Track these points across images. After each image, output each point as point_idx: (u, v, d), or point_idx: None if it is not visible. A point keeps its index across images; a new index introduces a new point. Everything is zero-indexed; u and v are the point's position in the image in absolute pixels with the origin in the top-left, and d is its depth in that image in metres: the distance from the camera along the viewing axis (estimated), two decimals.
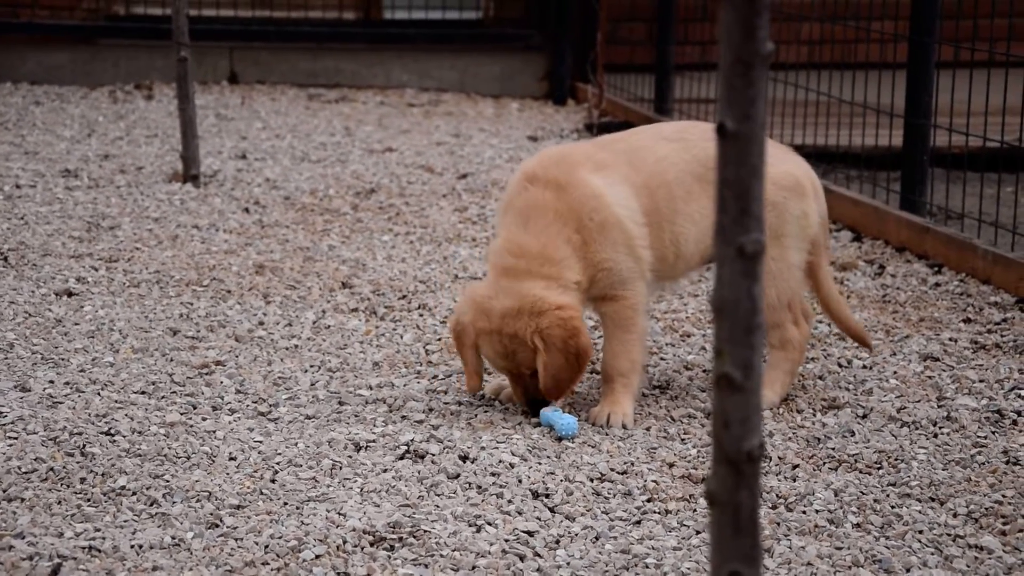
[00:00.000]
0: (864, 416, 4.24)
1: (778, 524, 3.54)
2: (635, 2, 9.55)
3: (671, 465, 3.88)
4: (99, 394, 4.24)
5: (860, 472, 3.86)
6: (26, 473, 3.66)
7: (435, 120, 8.76)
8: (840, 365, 4.69)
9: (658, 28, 8.74)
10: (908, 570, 3.33)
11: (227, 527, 3.43)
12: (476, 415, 4.19)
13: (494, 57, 9.69)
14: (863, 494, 3.70)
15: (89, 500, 3.54)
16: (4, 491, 3.56)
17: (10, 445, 3.82)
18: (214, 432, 4.01)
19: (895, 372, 4.59)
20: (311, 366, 4.58)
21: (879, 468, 3.88)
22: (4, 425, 3.95)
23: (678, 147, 4.26)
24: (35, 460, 3.73)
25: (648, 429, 4.13)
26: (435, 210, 6.57)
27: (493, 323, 4.09)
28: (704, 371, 4.65)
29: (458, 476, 3.76)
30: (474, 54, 9.66)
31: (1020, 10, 8.61)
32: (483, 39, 9.69)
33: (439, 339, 4.87)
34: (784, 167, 4.31)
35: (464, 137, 8.25)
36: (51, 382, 4.32)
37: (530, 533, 3.46)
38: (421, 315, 5.15)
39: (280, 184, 6.94)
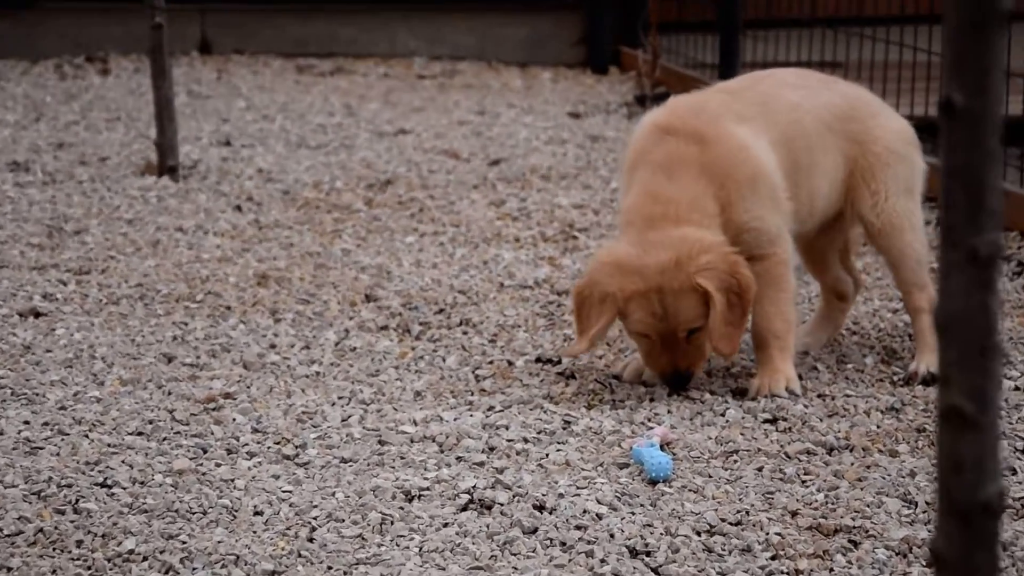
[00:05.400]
0: None
1: None
2: None
3: (794, 514, 3.82)
4: (87, 436, 4.19)
5: None
6: (9, 536, 3.61)
7: (452, 95, 8.72)
8: None
9: None
10: None
11: None
12: (547, 454, 4.14)
13: (519, 18, 9.65)
14: None
15: (91, 568, 3.49)
16: None
17: None
18: (232, 481, 3.96)
19: None
20: (339, 397, 4.54)
21: None
22: None
23: (806, 94, 4.61)
24: (19, 520, 3.68)
25: (760, 469, 4.08)
26: (466, 204, 6.53)
27: (650, 281, 4.32)
28: (819, 396, 4.60)
29: (536, 531, 3.71)
30: (495, 15, 9.62)
31: None
32: None
33: (490, 362, 4.82)
34: (901, 121, 4.72)
35: (490, 115, 8.21)
36: (26, 423, 4.27)
37: None
38: (465, 333, 5.10)
39: (276, 176, 6.91)
